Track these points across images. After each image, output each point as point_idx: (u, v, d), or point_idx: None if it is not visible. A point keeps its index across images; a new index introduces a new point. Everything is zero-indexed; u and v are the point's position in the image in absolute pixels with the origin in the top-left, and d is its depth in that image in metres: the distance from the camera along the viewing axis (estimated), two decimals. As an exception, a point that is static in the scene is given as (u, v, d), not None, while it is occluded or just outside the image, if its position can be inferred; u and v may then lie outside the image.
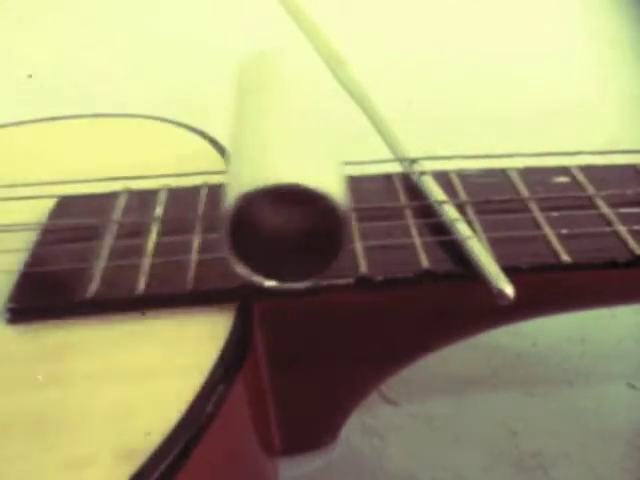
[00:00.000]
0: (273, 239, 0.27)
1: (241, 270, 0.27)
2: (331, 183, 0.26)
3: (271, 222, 0.27)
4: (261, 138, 0.28)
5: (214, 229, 0.33)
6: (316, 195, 0.25)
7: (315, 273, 0.27)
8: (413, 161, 0.36)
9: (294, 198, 0.26)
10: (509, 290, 0.28)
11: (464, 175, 0.36)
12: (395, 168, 0.37)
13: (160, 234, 0.32)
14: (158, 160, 0.38)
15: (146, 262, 0.31)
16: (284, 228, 0.27)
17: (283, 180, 0.25)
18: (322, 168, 0.27)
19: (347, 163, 0.36)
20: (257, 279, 0.27)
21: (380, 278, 0.30)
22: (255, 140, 0.28)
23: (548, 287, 0.32)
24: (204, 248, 0.31)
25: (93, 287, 0.30)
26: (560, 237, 0.32)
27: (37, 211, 0.34)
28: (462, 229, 0.31)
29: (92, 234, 0.33)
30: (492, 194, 0.35)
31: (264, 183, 0.25)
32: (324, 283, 0.30)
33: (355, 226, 0.33)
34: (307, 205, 0.26)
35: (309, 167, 0.27)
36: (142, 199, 0.35)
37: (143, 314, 0.29)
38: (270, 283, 0.28)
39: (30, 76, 0.76)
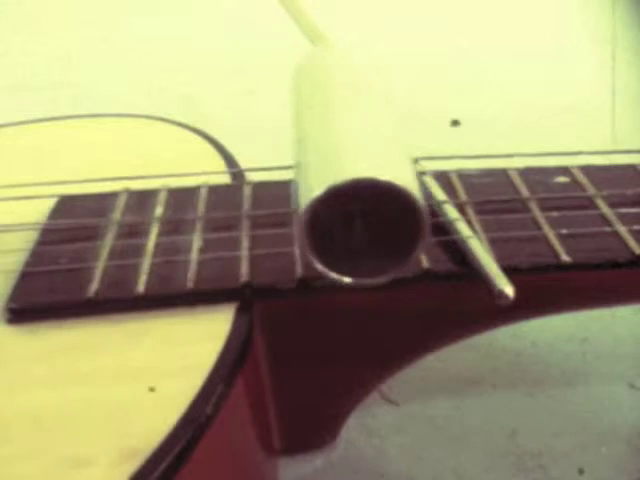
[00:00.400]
0: (350, 236, 0.27)
1: (319, 268, 0.27)
2: (407, 177, 0.26)
3: (348, 219, 0.27)
4: (334, 135, 0.28)
5: (214, 229, 0.33)
6: (394, 189, 0.25)
7: (394, 268, 0.27)
8: (413, 161, 0.36)
9: (371, 193, 0.26)
10: (509, 290, 0.28)
11: (464, 175, 0.36)
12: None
13: (160, 234, 0.32)
14: (158, 160, 0.38)
15: (146, 262, 0.31)
16: (361, 224, 0.27)
17: (361, 175, 0.25)
18: (397, 162, 0.27)
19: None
20: (335, 277, 0.27)
21: (380, 278, 0.30)
22: (328, 137, 0.28)
23: (548, 287, 0.32)
24: (204, 248, 0.31)
25: (93, 287, 0.30)
26: (560, 237, 0.32)
27: (37, 211, 0.34)
28: (462, 229, 0.31)
29: (92, 234, 0.33)
30: (492, 194, 0.35)
31: (342, 179, 0.25)
32: (324, 283, 0.30)
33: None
34: (385, 200, 0.26)
35: (385, 162, 0.27)
36: (142, 199, 0.35)
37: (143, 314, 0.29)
38: (348, 280, 0.27)
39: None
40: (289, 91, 0.34)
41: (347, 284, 0.27)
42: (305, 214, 0.26)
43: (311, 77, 0.33)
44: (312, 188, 0.26)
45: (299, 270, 0.30)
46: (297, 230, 0.27)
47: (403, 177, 0.26)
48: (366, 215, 0.27)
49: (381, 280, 0.28)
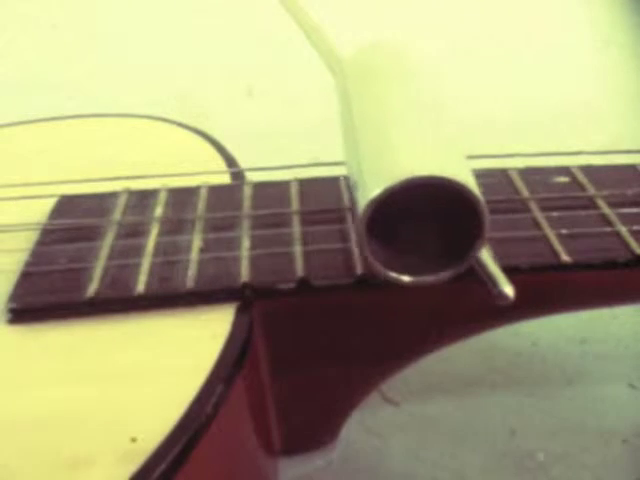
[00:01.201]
0: (409, 234, 0.27)
1: (378, 268, 0.27)
2: (466, 174, 0.26)
3: (407, 216, 0.26)
4: (389, 132, 0.28)
5: (214, 229, 0.33)
6: (455, 186, 0.25)
7: (454, 266, 0.27)
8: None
9: (430, 191, 0.25)
10: (509, 291, 0.28)
11: (464, 175, 0.36)
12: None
13: (160, 234, 0.32)
14: (158, 160, 0.38)
15: (146, 262, 0.31)
16: (420, 222, 0.27)
17: (420, 173, 0.25)
18: (455, 159, 0.27)
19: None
20: (394, 276, 0.27)
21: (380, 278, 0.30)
22: (383, 134, 0.28)
23: (548, 287, 0.32)
24: (204, 248, 0.31)
25: (93, 287, 0.30)
26: (560, 237, 0.32)
27: (37, 211, 0.34)
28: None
29: (92, 234, 0.33)
30: (492, 194, 0.35)
31: (402, 177, 0.25)
32: (324, 283, 0.30)
33: (352, 227, 0.33)
34: (445, 197, 0.25)
35: (443, 158, 0.26)
36: (142, 199, 0.35)
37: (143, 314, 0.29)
38: (407, 279, 0.27)
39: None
40: (336, 86, 0.33)
41: (406, 283, 0.27)
42: (363, 215, 0.25)
43: (364, 72, 0.33)
44: (370, 187, 0.25)
45: (299, 270, 0.30)
46: (356, 231, 0.26)
47: (463, 174, 0.25)
48: (423, 213, 0.27)
49: (441, 278, 0.27)
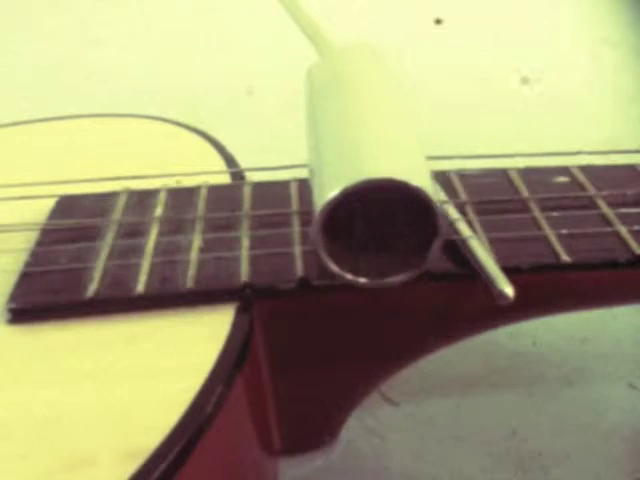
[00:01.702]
0: (365, 236, 0.27)
1: (334, 269, 0.27)
2: (421, 175, 0.26)
3: (363, 219, 0.27)
4: (351, 133, 0.28)
5: (214, 228, 0.33)
6: (409, 189, 0.25)
7: (410, 268, 0.27)
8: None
9: (388, 193, 0.26)
10: (509, 290, 0.28)
11: (464, 175, 0.36)
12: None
13: (160, 234, 0.32)
14: (158, 160, 0.38)
15: (146, 262, 0.31)
16: (380, 224, 0.27)
17: (377, 176, 0.25)
18: (411, 161, 0.27)
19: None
20: (350, 278, 0.27)
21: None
22: (344, 136, 0.28)
23: (548, 287, 0.32)
24: (204, 248, 0.31)
25: (93, 287, 0.30)
26: (560, 237, 0.32)
27: (37, 211, 0.34)
28: (462, 229, 0.31)
29: (92, 234, 0.33)
30: (492, 194, 0.35)
31: (357, 179, 0.25)
32: (324, 283, 0.30)
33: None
34: (402, 199, 0.26)
35: (400, 161, 0.27)
36: (142, 199, 0.35)
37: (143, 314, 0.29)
38: (363, 280, 0.28)
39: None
40: (304, 90, 0.33)
41: (363, 285, 0.27)
42: (320, 215, 0.26)
43: (329, 75, 0.33)
44: (327, 188, 0.26)
45: (299, 270, 0.30)
46: (312, 231, 0.26)
47: (418, 176, 0.26)
48: (380, 215, 0.27)
49: (397, 280, 0.28)
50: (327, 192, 0.26)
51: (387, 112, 0.30)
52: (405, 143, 0.28)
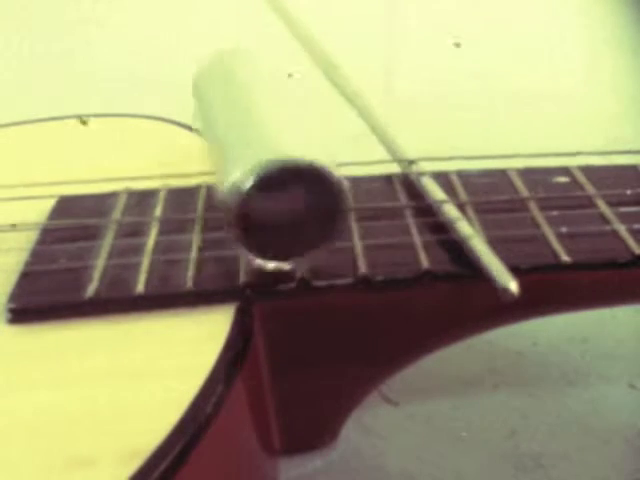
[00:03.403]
0: (275, 219, 0.27)
1: (244, 253, 0.28)
2: (319, 155, 0.27)
3: (271, 202, 0.27)
4: (252, 124, 0.29)
5: (214, 228, 0.33)
6: (312, 168, 0.27)
7: (315, 247, 0.28)
8: (412, 162, 0.36)
9: (292, 176, 0.27)
10: (513, 286, 0.28)
11: (464, 175, 0.36)
12: (395, 169, 0.37)
13: (160, 234, 0.32)
14: (158, 160, 0.38)
15: (146, 262, 0.31)
16: (285, 207, 0.27)
17: (280, 158, 0.26)
18: (311, 144, 0.28)
19: (347, 164, 0.36)
20: (259, 261, 0.28)
21: (380, 278, 0.30)
22: (244, 127, 0.29)
23: (548, 287, 0.32)
24: (204, 248, 0.31)
25: (93, 287, 0.30)
26: (560, 237, 0.32)
27: (37, 211, 0.34)
28: (463, 228, 0.31)
29: (92, 234, 0.33)
30: (492, 194, 0.35)
31: (265, 162, 0.26)
32: (324, 283, 0.30)
33: (355, 226, 0.33)
34: (301, 180, 0.27)
35: (302, 144, 0.28)
36: (142, 199, 0.35)
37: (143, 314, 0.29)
38: (272, 265, 0.28)
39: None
40: (193, 95, 0.35)
41: (273, 269, 0.28)
42: (235, 203, 0.27)
43: (219, 78, 0.34)
44: (240, 177, 0.27)
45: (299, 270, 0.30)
46: (226, 220, 0.27)
47: (317, 156, 0.27)
48: (292, 197, 0.28)
49: (305, 262, 0.29)
50: (241, 182, 0.27)
51: (272, 102, 0.32)
52: (297, 127, 0.30)
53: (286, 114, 0.31)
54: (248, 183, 0.26)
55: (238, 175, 0.27)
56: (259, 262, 0.28)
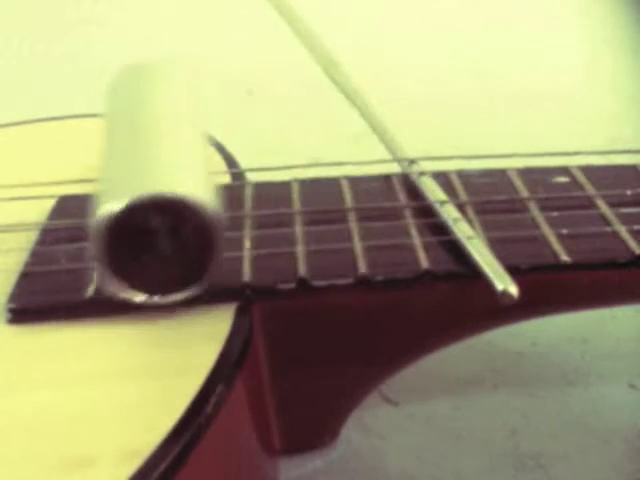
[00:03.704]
0: (148, 251, 0.27)
1: (113, 283, 0.27)
2: (202, 192, 0.27)
3: (145, 234, 0.27)
4: (136, 151, 0.29)
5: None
6: (189, 204, 0.26)
7: (188, 286, 0.28)
8: (412, 161, 0.36)
9: (172, 210, 0.26)
10: (513, 289, 0.28)
11: (464, 175, 0.36)
12: (395, 168, 0.37)
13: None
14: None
15: (146, 262, 0.31)
16: (158, 240, 0.27)
17: (157, 190, 0.26)
18: (194, 178, 0.28)
19: (347, 163, 0.36)
20: (128, 294, 0.28)
21: (380, 278, 0.30)
22: (128, 153, 0.29)
23: (548, 287, 0.32)
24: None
25: (93, 287, 0.30)
26: (560, 237, 0.32)
27: (37, 211, 0.34)
28: (463, 229, 0.31)
29: (92, 234, 0.33)
30: (492, 194, 0.35)
31: (141, 194, 0.26)
32: (324, 283, 0.30)
33: (355, 226, 0.33)
34: (180, 215, 0.26)
35: (182, 177, 0.27)
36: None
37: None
38: (140, 298, 0.28)
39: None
40: (104, 105, 0.34)
41: (139, 302, 0.28)
42: (104, 227, 0.26)
43: (126, 93, 0.34)
44: (111, 202, 0.27)
45: (299, 270, 0.30)
46: (93, 244, 0.27)
47: (198, 192, 0.27)
48: (167, 231, 0.27)
49: (173, 299, 0.28)
50: (111, 205, 0.27)
51: (173, 132, 0.31)
52: (188, 162, 0.29)
53: (180, 142, 0.30)
54: (116, 211, 0.26)
55: (110, 200, 0.27)
56: (111, 288, 0.28)
